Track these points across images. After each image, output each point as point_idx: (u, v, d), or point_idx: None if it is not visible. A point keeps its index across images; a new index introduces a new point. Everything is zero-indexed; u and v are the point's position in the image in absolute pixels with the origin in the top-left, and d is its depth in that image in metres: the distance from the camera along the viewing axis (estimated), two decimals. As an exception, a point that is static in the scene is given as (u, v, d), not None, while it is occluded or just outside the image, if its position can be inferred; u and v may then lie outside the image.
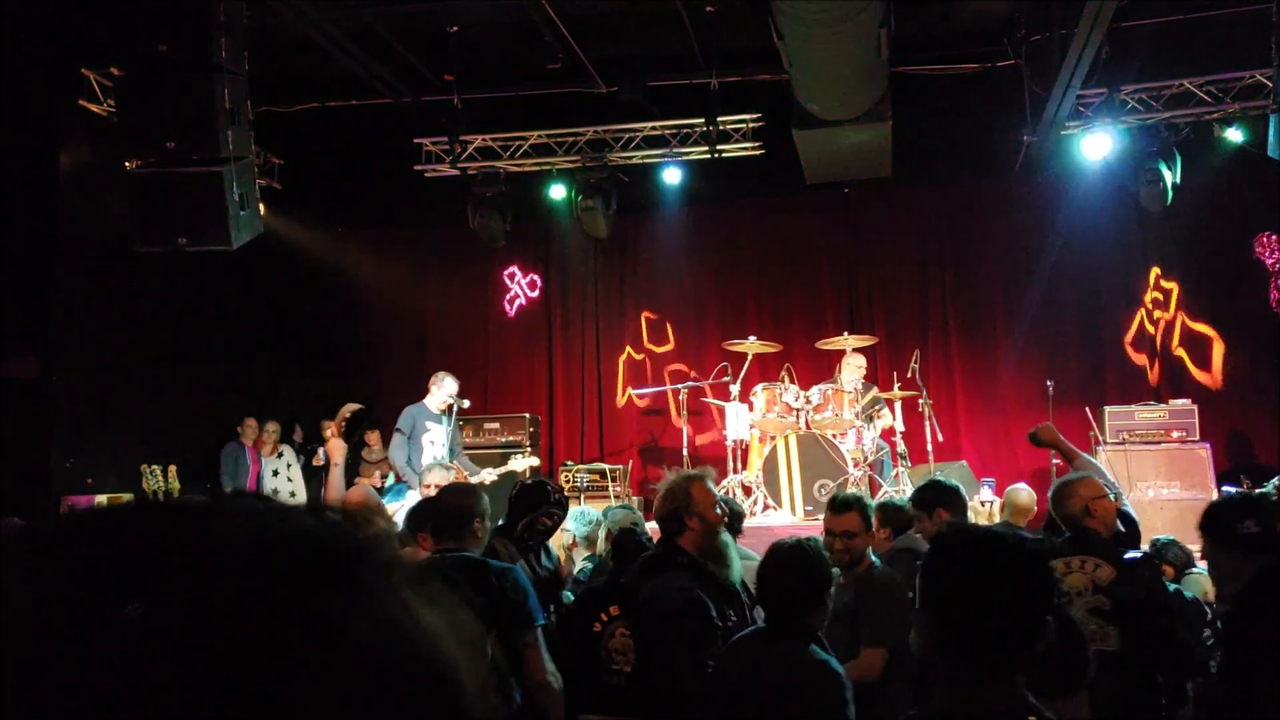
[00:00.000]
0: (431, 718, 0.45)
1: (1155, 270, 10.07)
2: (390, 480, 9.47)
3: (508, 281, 11.12)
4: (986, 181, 10.26)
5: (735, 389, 8.89)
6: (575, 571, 5.36)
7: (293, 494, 10.04)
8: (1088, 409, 8.76)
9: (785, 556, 3.04)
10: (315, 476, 10.19)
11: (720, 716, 3.05)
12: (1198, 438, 8.59)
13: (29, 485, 7.82)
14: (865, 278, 10.62)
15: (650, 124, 9.50)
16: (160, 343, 9.27)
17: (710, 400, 9.58)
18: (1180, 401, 9.14)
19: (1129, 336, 10.13)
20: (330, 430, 8.98)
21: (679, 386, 9.45)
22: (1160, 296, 10.07)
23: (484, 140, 9.66)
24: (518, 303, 11.13)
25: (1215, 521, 3.27)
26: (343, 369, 11.16)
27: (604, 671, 3.79)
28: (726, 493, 8.38)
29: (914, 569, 2.16)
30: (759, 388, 8.61)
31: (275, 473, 9.98)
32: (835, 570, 3.38)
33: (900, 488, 8.42)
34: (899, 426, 8.72)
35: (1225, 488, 8.03)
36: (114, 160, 6.96)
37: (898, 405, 8.74)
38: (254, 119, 6.96)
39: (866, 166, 9.10)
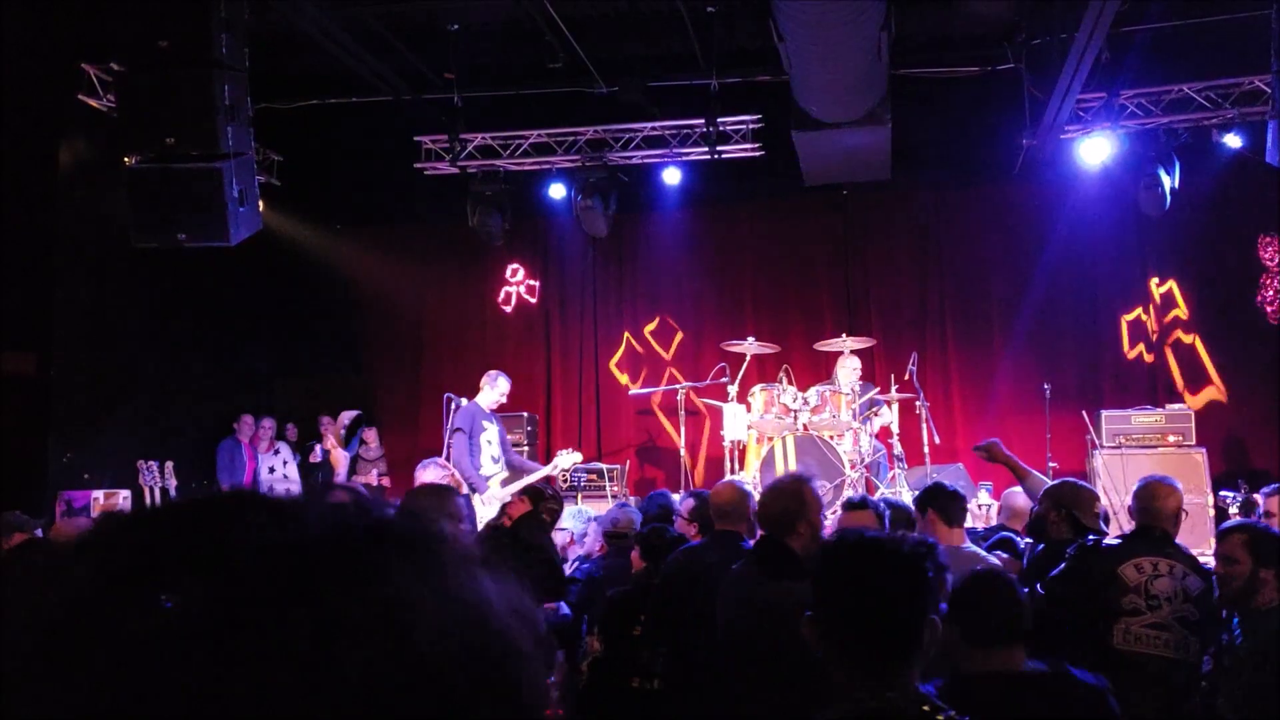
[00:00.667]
0: (502, 694, 0.46)
1: (1153, 275, 10.09)
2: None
3: (506, 280, 11.12)
4: (985, 185, 10.27)
5: (733, 390, 8.89)
6: (570, 571, 5.37)
7: (289, 491, 10.02)
8: (1084, 413, 8.77)
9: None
10: (311, 473, 10.19)
11: None
12: (1194, 442, 8.60)
13: (26, 480, 7.82)
14: (863, 280, 10.63)
15: (650, 124, 9.50)
16: (158, 338, 9.27)
17: (707, 400, 9.58)
18: (1177, 406, 9.16)
19: (1126, 340, 10.14)
20: (331, 441, 8.98)
21: (677, 387, 9.46)
22: (1158, 301, 10.08)
23: (484, 139, 9.66)
24: (516, 301, 11.13)
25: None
26: (340, 366, 11.17)
27: (643, 676, 3.79)
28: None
29: None
30: (757, 388, 8.62)
31: (271, 469, 9.98)
32: None
33: (896, 489, 8.44)
34: (895, 428, 8.74)
35: (1222, 493, 8.04)
36: (113, 155, 6.96)
37: (895, 407, 8.75)
38: (253, 115, 6.95)
39: (866, 169, 9.11)
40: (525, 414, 10.02)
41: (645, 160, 9.72)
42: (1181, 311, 10.02)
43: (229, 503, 0.49)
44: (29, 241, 8.08)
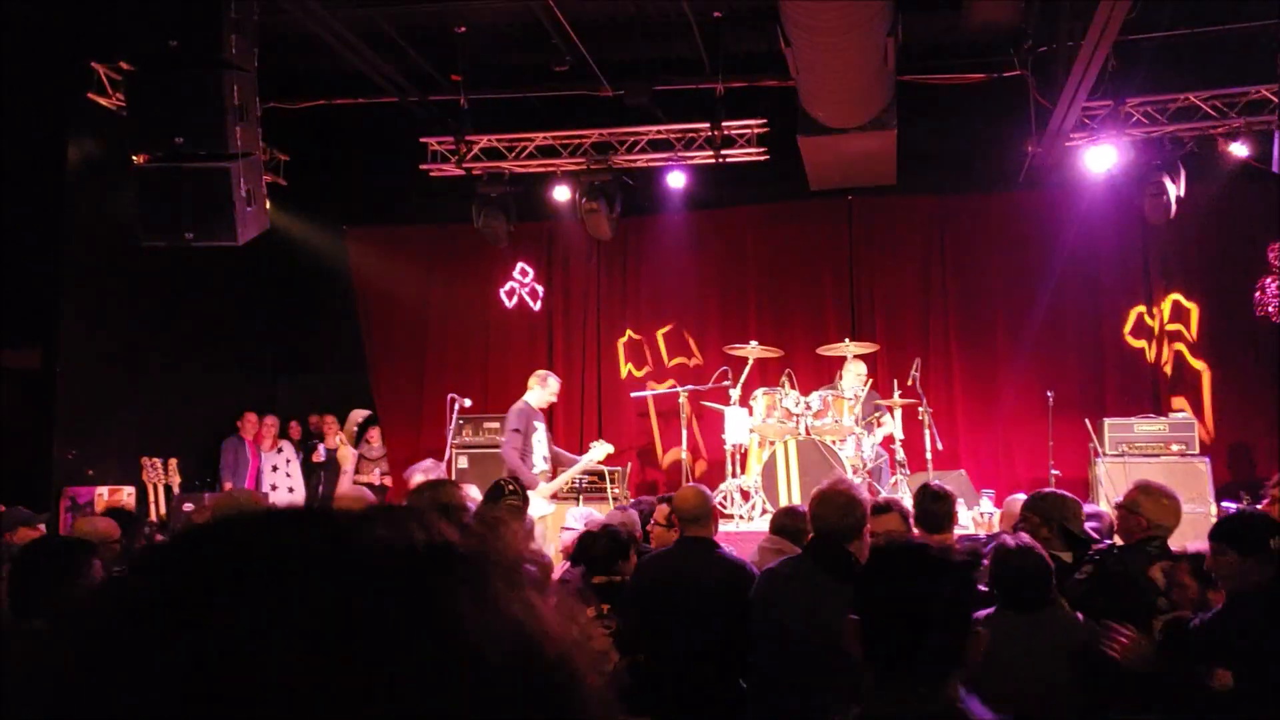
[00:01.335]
0: (554, 714, 0.46)
1: (1158, 283, 10.09)
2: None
3: (510, 282, 11.13)
4: (991, 192, 10.27)
5: (736, 393, 8.90)
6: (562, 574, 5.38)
7: (291, 490, 10.06)
8: (1087, 420, 8.78)
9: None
10: (314, 473, 10.22)
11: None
12: (1197, 451, 8.60)
13: (31, 476, 7.85)
14: (867, 285, 10.63)
15: (655, 128, 9.51)
16: (164, 336, 9.30)
17: (709, 403, 9.59)
18: (1180, 415, 9.15)
19: (1130, 348, 10.14)
20: (340, 438, 9.01)
21: (679, 390, 9.47)
22: (1162, 309, 10.08)
23: (489, 141, 9.68)
24: (519, 303, 11.15)
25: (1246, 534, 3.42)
26: (344, 366, 11.18)
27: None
28: (724, 497, 8.40)
29: None
30: (759, 392, 8.63)
31: (274, 468, 10.00)
32: None
33: (899, 496, 8.44)
34: (898, 434, 8.74)
35: (1224, 503, 8.03)
36: (122, 154, 6.98)
37: (898, 413, 8.75)
38: (261, 115, 6.97)
39: (871, 174, 9.12)
40: (528, 415, 10.04)
41: (650, 163, 9.73)
42: (1186, 320, 10.01)
43: (287, 521, 0.49)
44: (36, 239, 8.11)
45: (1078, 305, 10.16)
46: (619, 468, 9.62)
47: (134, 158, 6.68)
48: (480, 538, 0.50)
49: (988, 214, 10.44)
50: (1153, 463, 8.45)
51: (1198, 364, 9.96)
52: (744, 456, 8.95)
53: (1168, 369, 10.03)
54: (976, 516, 7.88)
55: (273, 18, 7.34)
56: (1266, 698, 3.04)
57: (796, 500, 8.14)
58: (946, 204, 10.47)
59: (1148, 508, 4.26)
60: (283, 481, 10.00)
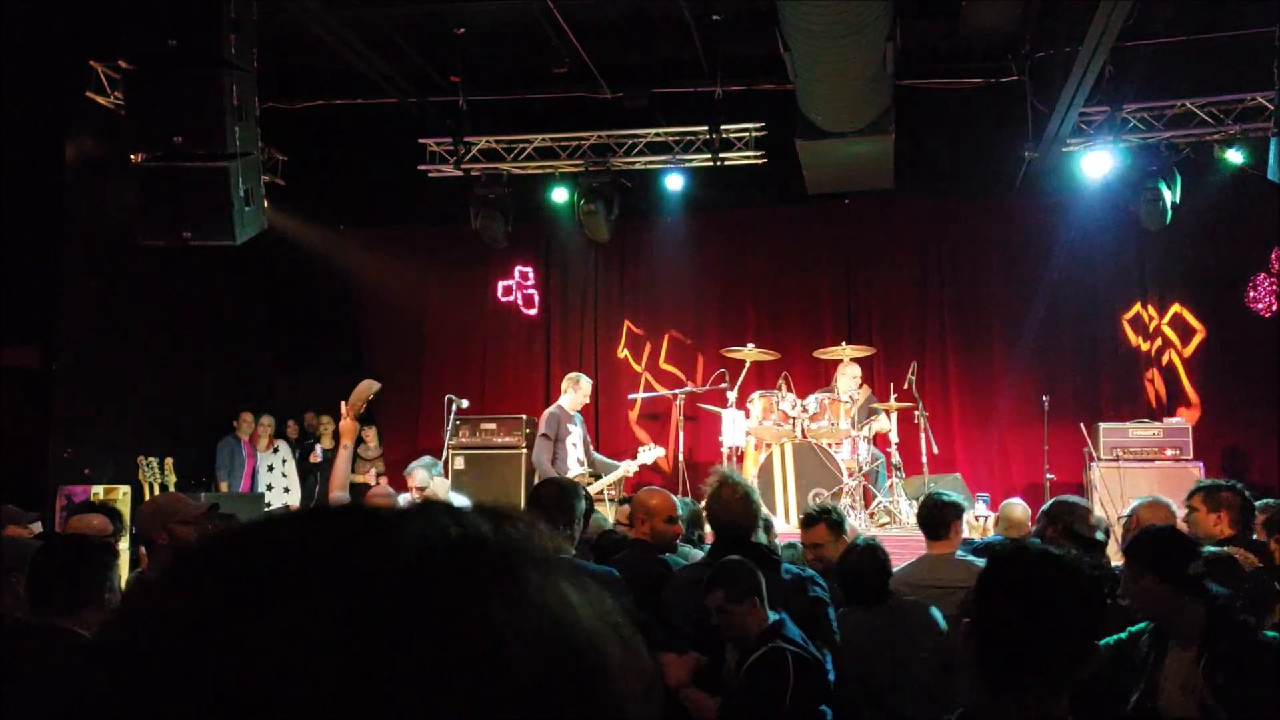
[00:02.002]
0: (589, 708, 0.46)
1: (1153, 288, 10.12)
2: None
3: (508, 283, 11.14)
4: (987, 196, 10.30)
5: (732, 396, 8.92)
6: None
7: (287, 489, 10.06)
8: (1082, 425, 8.80)
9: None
10: (311, 473, 10.21)
11: None
12: (1191, 456, 8.62)
13: (27, 474, 7.84)
14: (864, 289, 10.66)
15: (654, 130, 9.53)
16: (161, 335, 9.29)
17: (706, 406, 9.60)
18: (1175, 420, 9.18)
19: (1125, 353, 10.17)
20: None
21: (676, 392, 9.48)
22: (1158, 314, 10.11)
23: (488, 142, 9.69)
24: (517, 305, 11.16)
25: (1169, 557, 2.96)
26: (341, 366, 11.17)
27: None
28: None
29: None
30: (756, 395, 8.64)
31: (270, 468, 10.00)
32: None
33: (894, 499, 8.46)
34: (894, 437, 8.76)
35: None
36: (121, 153, 6.98)
37: (893, 416, 8.77)
38: (260, 115, 6.98)
39: (868, 178, 9.14)
40: (524, 417, 10.03)
41: (648, 166, 9.74)
42: (1181, 325, 10.04)
43: (369, 512, 0.50)
44: (35, 237, 8.11)
45: (1073, 310, 10.18)
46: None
47: (132, 157, 6.68)
48: (515, 530, 0.51)
49: (984, 219, 10.47)
50: (1147, 468, 8.48)
51: (1192, 370, 9.98)
52: (740, 459, 8.96)
53: (1162, 374, 10.06)
54: (971, 520, 7.90)
55: (272, 18, 7.34)
56: None
57: (793, 504, 8.17)
58: (943, 208, 10.49)
59: (1148, 519, 4.29)
60: (279, 481, 10.00)
